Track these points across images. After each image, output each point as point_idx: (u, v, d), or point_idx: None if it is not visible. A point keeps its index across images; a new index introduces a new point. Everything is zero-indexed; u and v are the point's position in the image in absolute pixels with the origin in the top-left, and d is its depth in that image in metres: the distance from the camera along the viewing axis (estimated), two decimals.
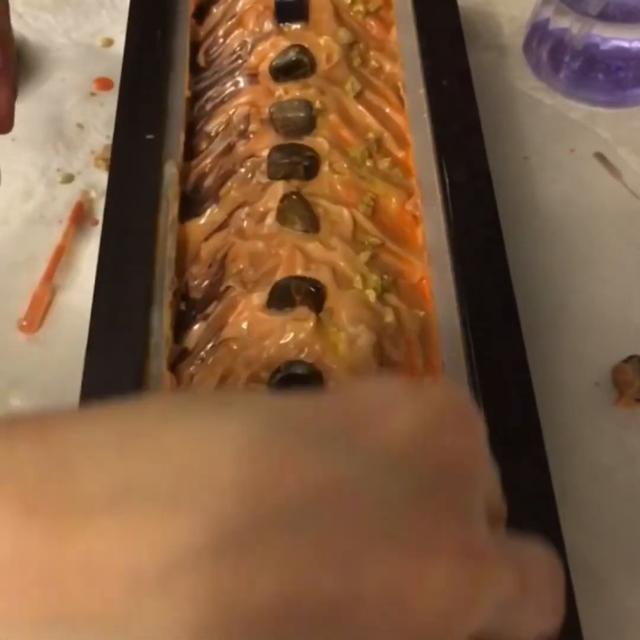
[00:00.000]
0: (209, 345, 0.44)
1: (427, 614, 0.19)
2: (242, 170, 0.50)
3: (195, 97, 0.55)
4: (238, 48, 0.56)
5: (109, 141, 0.52)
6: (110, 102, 0.62)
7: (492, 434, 0.38)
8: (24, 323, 0.52)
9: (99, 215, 0.55)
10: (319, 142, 0.49)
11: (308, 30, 0.55)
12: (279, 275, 0.44)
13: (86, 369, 0.41)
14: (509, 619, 0.21)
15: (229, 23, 0.58)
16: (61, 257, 0.56)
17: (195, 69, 0.57)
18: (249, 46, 0.55)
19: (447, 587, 0.19)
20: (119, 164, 0.49)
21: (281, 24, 0.55)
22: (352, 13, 0.57)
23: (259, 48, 0.54)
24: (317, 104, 0.51)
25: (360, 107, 0.52)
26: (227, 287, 0.45)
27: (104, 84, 0.65)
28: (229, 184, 0.50)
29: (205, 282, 0.47)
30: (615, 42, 0.61)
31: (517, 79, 0.65)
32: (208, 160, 0.52)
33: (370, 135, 0.51)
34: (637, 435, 0.48)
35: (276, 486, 0.19)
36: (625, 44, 0.61)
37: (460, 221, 0.46)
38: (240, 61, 0.55)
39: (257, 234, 0.47)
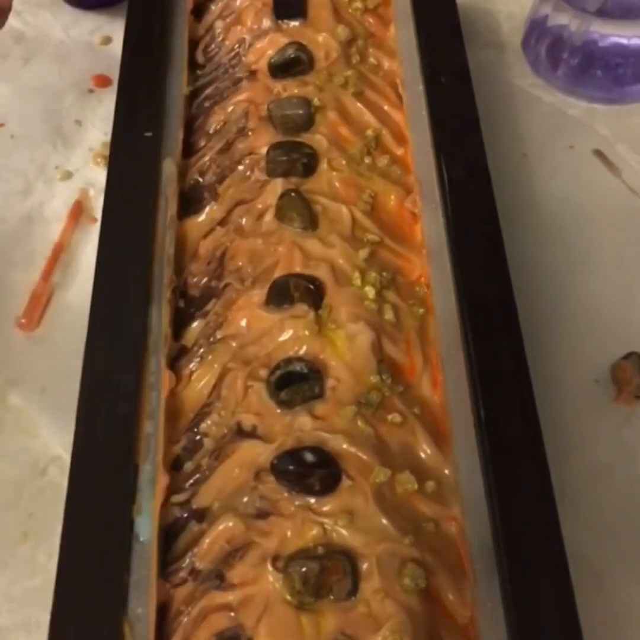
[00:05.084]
0: (208, 343, 0.44)
1: None
2: (241, 167, 0.50)
3: (194, 94, 0.55)
4: (236, 45, 0.56)
5: (108, 138, 0.52)
6: (108, 98, 0.62)
7: (492, 433, 0.39)
8: (23, 321, 0.52)
9: (98, 213, 0.55)
10: (317, 139, 0.49)
11: (306, 27, 0.54)
12: (278, 273, 0.44)
13: (85, 367, 0.41)
14: None
15: (228, 20, 0.57)
16: (60, 255, 0.56)
17: (194, 66, 0.57)
18: (248, 43, 0.55)
19: None
20: (117, 162, 0.49)
21: (279, 21, 0.55)
22: (350, 10, 0.57)
23: (258, 45, 0.54)
24: (316, 101, 0.51)
25: (358, 104, 0.52)
26: (226, 285, 0.45)
27: (102, 80, 0.65)
28: (227, 181, 0.50)
29: (204, 280, 0.47)
30: (614, 39, 0.61)
31: (516, 76, 0.65)
32: (206, 158, 0.52)
33: (369, 132, 0.51)
34: (637, 433, 0.48)
35: None
36: (624, 41, 0.60)
37: (459, 218, 0.46)
38: (238, 58, 0.55)
39: (256, 231, 0.47)
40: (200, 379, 0.43)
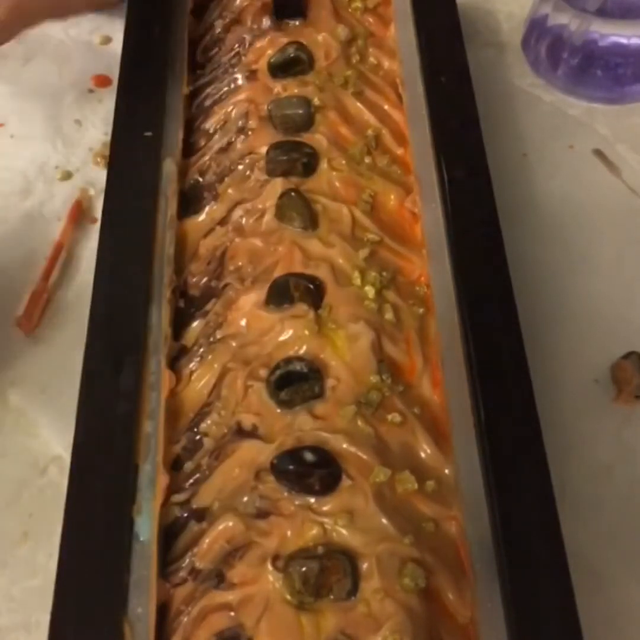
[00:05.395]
0: (208, 343, 0.44)
1: None
2: (241, 167, 0.50)
3: (194, 94, 0.55)
4: (236, 45, 0.56)
5: (107, 138, 0.52)
6: (108, 98, 0.62)
7: (492, 432, 0.39)
8: (23, 320, 0.52)
9: (98, 213, 0.55)
10: (317, 139, 0.49)
11: (306, 27, 0.55)
12: (278, 272, 0.44)
13: (85, 366, 0.41)
14: None
15: (228, 20, 0.57)
16: (60, 255, 0.55)
17: (194, 66, 0.57)
18: (247, 43, 0.55)
19: None
20: (117, 161, 0.49)
21: (279, 21, 0.55)
22: (350, 9, 0.57)
23: (257, 45, 0.54)
24: (316, 101, 0.51)
25: (358, 104, 0.52)
26: (226, 284, 0.45)
27: (102, 80, 0.65)
28: (227, 181, 0.50)
29: (204, 279, 0.47)
30: (614, 39, 0.61)
31: (516, 76, 0.65)
32: (206, 158, 0.52)
33: (369, 132, 0.51)
34: (637, 433, 0.48)
35: None
36: (624, 40, 0.60)
37: (459, 218, 0.46)
38: (238, 58, 0.55)
39: (256, 231, 0.47)
40: (200, 378, 0.43)
